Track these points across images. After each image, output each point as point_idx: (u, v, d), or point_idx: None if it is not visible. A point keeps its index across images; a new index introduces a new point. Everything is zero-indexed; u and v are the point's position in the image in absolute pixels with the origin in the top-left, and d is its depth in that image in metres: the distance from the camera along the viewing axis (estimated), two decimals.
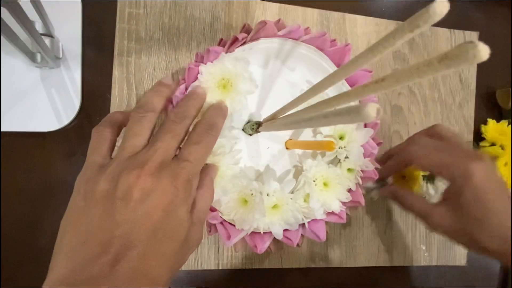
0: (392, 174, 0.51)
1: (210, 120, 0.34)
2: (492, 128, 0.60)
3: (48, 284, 0.25)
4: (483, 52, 0.11)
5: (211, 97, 0.39)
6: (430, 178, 0.57)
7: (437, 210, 0.42)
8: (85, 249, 0.25)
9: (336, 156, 0.44)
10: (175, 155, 0.31)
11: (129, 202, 0.26)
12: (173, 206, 0.28)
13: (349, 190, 0.44)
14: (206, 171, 0.36)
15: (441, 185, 0.56)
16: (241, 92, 0.40)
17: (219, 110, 0.36)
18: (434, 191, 0.56)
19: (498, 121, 0.61)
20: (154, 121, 0.32)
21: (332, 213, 0.44)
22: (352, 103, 0.40)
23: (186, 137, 0.33)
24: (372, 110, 0.13)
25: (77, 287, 0.24)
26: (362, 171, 0.44)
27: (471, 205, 0.39)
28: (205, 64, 0.40)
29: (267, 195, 0.41)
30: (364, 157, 0.44)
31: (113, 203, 0.26)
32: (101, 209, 0.26)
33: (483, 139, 0.61)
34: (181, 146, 0.32)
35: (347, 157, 0.44)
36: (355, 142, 0.43)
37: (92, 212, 0.27)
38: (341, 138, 0.44)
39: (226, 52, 0.40)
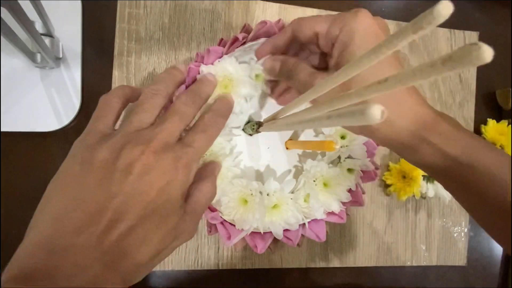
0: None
1: (217, 112, 0.34)
2: (492, 128, 0.60)
3: (26, 245, 0.25)
4: (487, 53, 0.11)
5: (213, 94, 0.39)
6: (430, 178, 0.57)
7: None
8: (73, 216, 0.25)
9: (338, 156, 0.44)
10: (179, 139, 0.31)
11: (128, 176, 0.26)
12: (169, 188, 0.27)
13: (349, 190, 0.44)
14: (212, 166, 0.36)
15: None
16: (241, 95, 0.40)
17: (227, 103, 0.36)
18: (434, 191, 0.57)
19: (498, 121, 0.61)
20: (164, 101, 0.32)
21: (332, 213, 0.44)
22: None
23: (192, 123, 0.33)
24: (376, 111, 0.13)
25: (57, 253, 0.23)
26: (362, 171, 0.44)
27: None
28: (206, 64, 0.40)
29: (267, 195, 0.41)
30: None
31: (112, 173, 0.26)
32: (98, 178, 0.26)
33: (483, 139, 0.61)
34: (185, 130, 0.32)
35: (350, 157, 0.44)
36: (357, 140, 0.43)
37: (87, 179, 0.26)
38: (342, 137, 0.44)
39: (227, 52, 0.41)
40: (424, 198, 0.59)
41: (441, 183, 0.34)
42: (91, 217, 0.24)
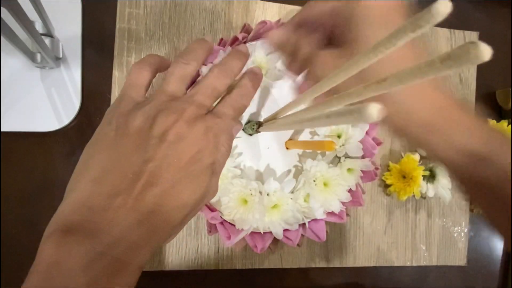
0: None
1: (245, 87, 0.35)
2: None
3: (66, 205, 0.26)
4: (485, 52, 0.11)
5: None
6: (430, 178, 0.57)
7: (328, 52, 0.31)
8: (111, 178, 0.26)
9: (336, 155, 0.44)
10: (210, 110, 0.32)
11: (162, 142, 0.27)
12: (200, 155, 0.29)
13: (349, 190, 0.44)
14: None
15: (445, 182, 0.56)
16: None
17: (255, 78, 0.36)
18: (434, 191, 0.57)
19: (498, 121, 0.61)
20: (196, 70, 0.33)
21: (332, 213, 0.44)
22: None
23: (222, 97, 0.34)
24: (374, 110, 0.13)
25: (96, 212, 0.25)
26: (362, 171, 0.44)
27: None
28: (206, 63, 0.40)
29: (267, 195, 0.41)
30: (364, 157, 0.44)
31: (147, 139, 0.27)
32: (133, 143, 0.27)
33: None
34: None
35: (347, 155, 0.44)
36: (352, 138, 0.43)
37: (122, 144, 0.27)
38: (338, 136, 0.44)
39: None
40: (424, 198, 0.59)
41: (455, 177, 0.33)
42: (127, 180, 0.26)
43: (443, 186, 0.56)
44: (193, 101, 0.30)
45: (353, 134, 0.43)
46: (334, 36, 0.32)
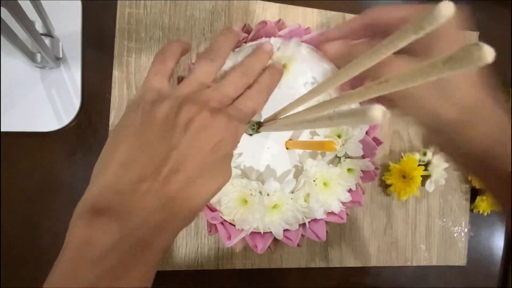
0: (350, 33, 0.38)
1: (266, 84, 0.36)
2: None
3: (94, 188, 0.27)
4: (488, 54, 0.11)
5: None
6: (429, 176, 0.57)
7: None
8: (137, 164, 0.27)
9: (336, 155, 0.44)
10: (231, 103, 0.33)
11: (187, 130, 0.28)
12: (222, 145, 0.30)
13: (349, 190, 0.44)
14: None
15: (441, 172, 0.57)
16: None
17: (276, 74, 0.38)
18: (434, 185, 0.57)
19: None
20: (221, 65, 0.34)
21: (332, 213, 0.44)
22: (353, 105, 0.40)
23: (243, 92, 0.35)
24: (378, 112, 0.13)
25: (123, 195, 0.26)
26: (362, 171, 0.44)
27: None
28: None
29: (267, 195, 0.41)
30: (364, 157, 0.44)
31: (172, 128, 0.28)
32: (159, 131, 0.28)
33: None
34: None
35: (348, 156, 0.44)
36: (352, 138, 0.43)
37: (148, 131, 0.29)
38: (338, 136, 0.44)
39: None
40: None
41: (476, 175, 0.36)
42: (153, 165, 0.27)
43: (441, 177, 0.57)
44: (217, 94, 0.31)
45: (352, 135, 0.43)
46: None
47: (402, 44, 0.14)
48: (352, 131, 0.43)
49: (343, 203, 0.44)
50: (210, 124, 0.29)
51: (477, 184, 0.61)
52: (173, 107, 0.29)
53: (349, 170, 0.44)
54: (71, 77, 0.49)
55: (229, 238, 0.41)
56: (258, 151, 0.44)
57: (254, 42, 0.41)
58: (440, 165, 0.58)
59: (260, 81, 0.35)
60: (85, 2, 0.49)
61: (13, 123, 0.47)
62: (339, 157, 0.44)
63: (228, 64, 0.39)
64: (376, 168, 0.45)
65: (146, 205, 0.27)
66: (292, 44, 0.41)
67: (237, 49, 0.41)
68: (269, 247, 0.43)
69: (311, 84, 0.43)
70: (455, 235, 0.61)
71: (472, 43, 0.11)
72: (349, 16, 0.57)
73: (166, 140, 0.28)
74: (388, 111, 0.13)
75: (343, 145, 0.44)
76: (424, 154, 0.59)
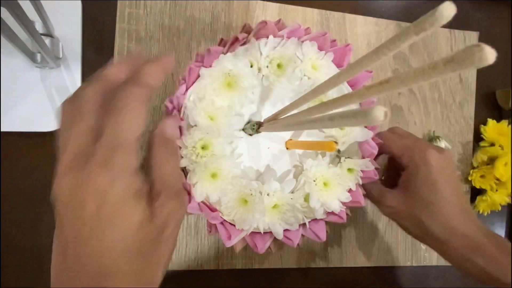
0: None
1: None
2: (492, 128, 0.60)
3: None
4: (490, 55, 0.11)
5: (220, 98, 0.39)
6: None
7: (390, 193, 0.45)
8: None
9: (336, 155, 0.44)
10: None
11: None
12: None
13: (349, 190, 0.44)
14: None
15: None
16: (246, 88, 0.40)
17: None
18: None
19: (498, 121, 0.61)
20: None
21: (332, 213, 0.44)
22: (354, 106, 0.40)
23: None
24: (379, 113, 0.13)
25: None
26: (362, 171, 0.44)
27: (423, 186, 0.41)
28: (206, 65, 0.40)
29: (267, 195, 0.41)
30: (364, 157, 0.44)
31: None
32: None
33: (482, 139, 0.61)
34: None
35: (348, 157, 0.44)
36: (349, 136, 0.44)
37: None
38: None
39: (226, 53, 0.41)
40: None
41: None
42: None
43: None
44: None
45: (351, 132, 0.43)
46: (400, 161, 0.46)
47: (403, 45, 0.14)
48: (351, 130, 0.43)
49: (343, 203, 0.44)
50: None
51: (477, 184, 0.61)
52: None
53: (349, 170, 0.44)
54: (71, 77, 0.48)
55: (229, 238, 0.41)
56: (258, 151, 0.44)
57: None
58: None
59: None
60: (85, 2, 0.49)
61: (13, 123, 0.47)
62: (339, 157, 0.44)
63: (228, 66, 0.39)
64: (376, 168, 0.45)
65: None
66: (290, 44, 0.41)
67: (237, 49, 0.41)
68: (269, 247, 0.43)
69: (311, 84, 0.43)
70: None
71: (473, 44, 0.11)
72: (349, 16, 0.57)
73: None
74: (389, 111, 0.13)
75: (344, 143, 0.44)
76: None
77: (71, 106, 0.26)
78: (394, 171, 0.48)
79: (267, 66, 0.42)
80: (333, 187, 0.43)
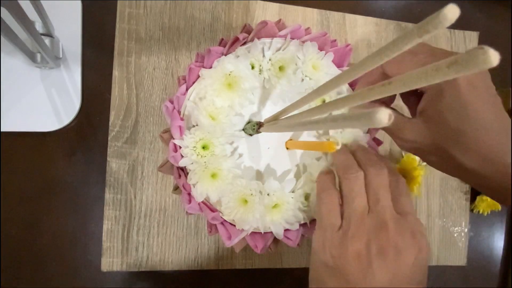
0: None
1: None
2: None
3: None
4: (493, 57, 0.11)
5: (220, 98, 0.39)
6: None
7: (410, 122, 0.34)
8: None
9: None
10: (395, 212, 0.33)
11: (385, 259, 0.29)
12: (419, 260, 0.30)
13: None
14: None
15: None
16: (246, 89, 0.40)
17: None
18: None
19: None
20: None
21: None
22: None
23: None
24: (384, 115, 0.13)
25: None
26: None
27: (451, 112, 0.30)
28: (206, 65, 0.40)
29: (268, 194, 0.41)
30: None
31: (369, 263, 0.29)
32: (356, 271, 0.29)
33: None
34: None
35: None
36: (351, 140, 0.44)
37: (346, 271, 0.30)
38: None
39: (227, 53, 0.41)
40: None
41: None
42: None
43: None
44: (383, 208, 0.32)
45: (354, 134, 0.43)
46: None
47: (406, 47, 0.14)
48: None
49: None
50: (403, 245, 0.30)
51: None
52: (361, 240, 0.30)
53: None
54: (71, 77, 0.48)
55: (229, 238, 0.41)
56: (259, 151, 0.44)
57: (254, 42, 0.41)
58: None
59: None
60: (85, 2, 0.49)
61: (13, 123, 0.47)
62: None
63: (229, 68, 0.39)
64: None
65: None
66: (291, 46, 0.41)
67: (238, 49, 0.41)
68: (269, 247, 0.43)
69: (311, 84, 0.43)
70: (455, 235, 0.61)
71: (477, 47, 0.11)
72: (349, 16, 0.57)
73: (367, 275, 0.29)
74: (393, 114, 0.13)
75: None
76: None
77: None
78: (412, 94, 0.37)
79: (269, 69, 0.42)
80: None
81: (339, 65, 0.45)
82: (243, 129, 0.43)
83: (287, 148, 0.44)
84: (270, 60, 0.41)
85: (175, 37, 0.52)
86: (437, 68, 0.13)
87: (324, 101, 0.43)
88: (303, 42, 0.42)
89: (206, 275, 0.53)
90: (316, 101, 0.42)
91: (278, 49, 0.42)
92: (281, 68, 0.42)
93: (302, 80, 0.43)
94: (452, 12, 0.12)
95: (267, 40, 0.41)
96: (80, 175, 0.49)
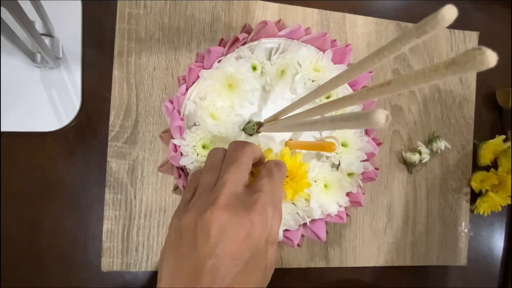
0: None
1: (277, 160, 0.35)
2: (487, 151, 0.61)
3: None
4: (491, 58, 0.11)
5: (221, 98, 0.39)
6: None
7: None
8: (178, 278, 0.27)
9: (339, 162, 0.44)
10: (247, 186, 0.31)
11: (208, 238, 0.27)
12: (251, 239, 0.28)
13: (349, 192, 0.44)
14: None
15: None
16: (247, 91, 0.40)
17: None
18: (428, 155, 0.57)
19: (498, 121, 0.61)
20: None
21: None
22: (356, 107, 0.40)
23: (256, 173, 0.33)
24: (381, 116, 0.13)
25: None
26: (362, 173, 0.44)
27: None
28: (206, 65, 0.40)
29: None
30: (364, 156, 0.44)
31: (195, 238, 0.28)
32: (186, 243, 0.28)
33: (482, 139, 0.61)
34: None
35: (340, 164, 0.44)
36: (354, 154, 0.44)
37: (179, 245, 0.29)
38: (343, 145, 0.44)
39: (227, 53, 0.41)
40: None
41: None
42: (192, 278, 0.26)
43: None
44: (223, 184, 0.30)
45: (357, 142, 0.43)
46: None
47: (405, 47, 0.14)
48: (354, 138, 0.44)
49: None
50: (229, 221, 0.28)
51: (476, 188, 0.61)
52: (193, 214, 0.29)
53: (349, 174, 0.44)
54: (71, 77, 0.48)
55: None
56: None
57: (254, 42, 0.41)
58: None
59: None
60: (85, 2, 0.49)
61: (13, 123, 0.47)
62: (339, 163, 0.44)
63: (230, 70, 0.39)
64: (376, 169, 0.45)
65: None
66: (291, 47, 0.41)
67: (238, 49, 0.41)
68: None
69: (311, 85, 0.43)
70: (455, 235, 0.61)
71: (474, 47, 0.11)
72: (349, 16, 0.57)
73: (194, 251, 0.28)
74: (390, 115, 0.13)
75: (341, 152, 0.44)
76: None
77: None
78: None
79: (272, 72, 0.42)
80: (333, 190, 0.43)
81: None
82: (243, 129, 0.43)
83: None
84: (273, 64, 0.42)
85: (175, 37, 0.52)
86: (435, 69, 0.13)
87: (329, 97, 0.43)
88: (303, 42, 0.42)
89: None
90: (317, 100, 0.42)
91: (282, 51, 0.42)
92: (283, 72, 0.42)
93: (305, 84, 0.43)
94: (449, 12, 0.12)
95: (273, 40, 0.42)
96: (80, 175, 0.49)
